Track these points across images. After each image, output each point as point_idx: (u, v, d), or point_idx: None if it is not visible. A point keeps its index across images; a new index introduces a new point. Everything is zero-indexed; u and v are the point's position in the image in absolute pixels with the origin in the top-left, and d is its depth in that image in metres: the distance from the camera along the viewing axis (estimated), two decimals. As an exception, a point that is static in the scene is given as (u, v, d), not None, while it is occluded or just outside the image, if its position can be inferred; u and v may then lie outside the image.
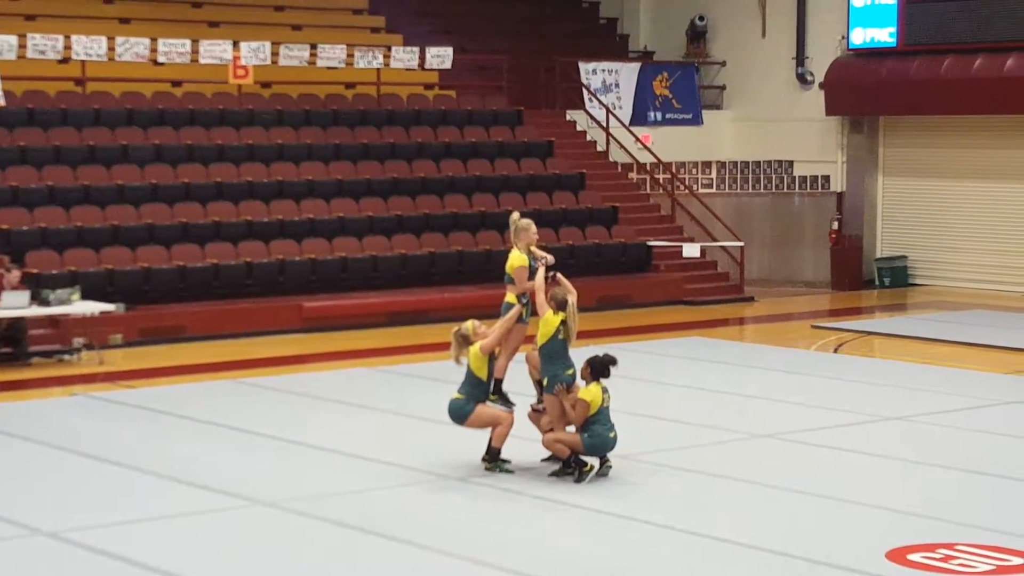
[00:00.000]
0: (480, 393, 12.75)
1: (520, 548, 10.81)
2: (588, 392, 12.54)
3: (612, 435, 12.61)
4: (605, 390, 12.60)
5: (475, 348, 12.67)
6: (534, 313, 12.87)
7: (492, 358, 12.74)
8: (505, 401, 12.98)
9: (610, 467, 12.73)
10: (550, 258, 13.05)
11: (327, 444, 14.18)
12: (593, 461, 12.71)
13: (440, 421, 13.48)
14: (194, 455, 13.80)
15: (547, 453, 13.00)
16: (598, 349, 13.03)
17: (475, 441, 13.31)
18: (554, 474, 12.76)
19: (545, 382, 12.70)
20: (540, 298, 12.65)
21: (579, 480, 12.60)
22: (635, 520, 11.46)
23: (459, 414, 12.78)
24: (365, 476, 12.96)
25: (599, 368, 12.61)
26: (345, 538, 11.07)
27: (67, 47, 23.92)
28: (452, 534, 11.10)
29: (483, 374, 12.69)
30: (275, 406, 16.39)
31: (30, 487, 12.70)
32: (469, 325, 12.81)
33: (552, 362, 12.59)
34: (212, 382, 18.11)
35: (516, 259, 13.02)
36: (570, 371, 12.60)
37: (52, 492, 12.48)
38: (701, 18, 31.30)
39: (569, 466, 12.69)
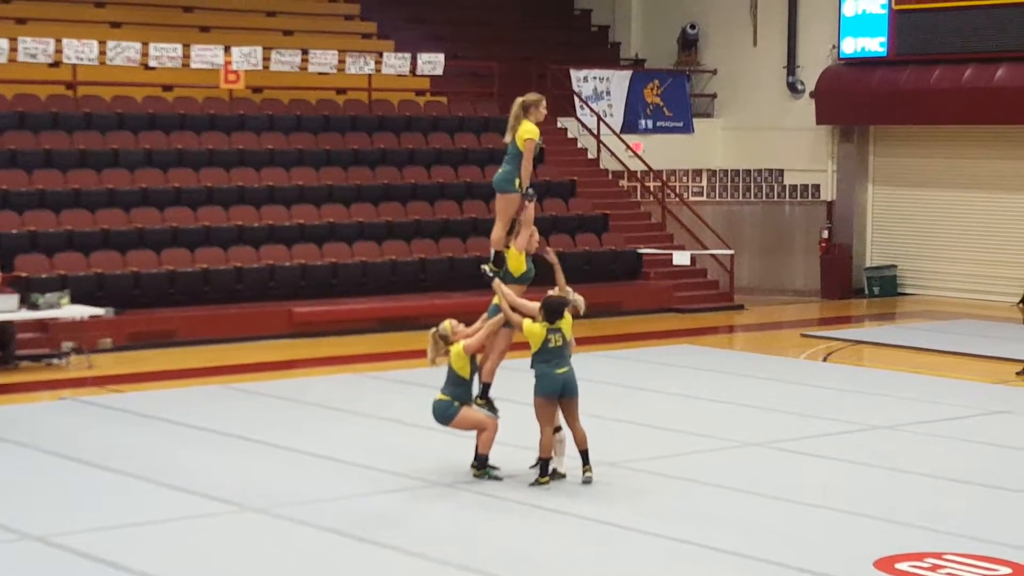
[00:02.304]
0: (463, 393, 12.74)
1: (509, 555, 10.81)
2: (529, 330, 12.53)
3: (560, 371, 12.55)
4: (553, 331, 12.55)
5: (458, 347, 12.67)
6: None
7: (474, 358, 12.74)
8: (491, 407, 12.98)
9: (590, 478, 12.74)
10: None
11: (316, 450, 14.17)
12: (558, 465, 12.76)
13: (429, 427, 13.48)
14: (183, 460, 13.78)
15: (534, 460, 13.02)
16: (591, 356, 13.03)
17: (463, 447, 13.32)
18: (534, 484, 12.75)
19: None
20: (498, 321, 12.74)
21: (534, 484, 12.65)
22: (624, 528, 11.46)
23: (443, 415, 12.79)
24: (354, 482, 12.96)
25: (550, 310, 12.58)
26: (334, 544, 11.06)
27: (58, 51, 23.91)
28: (440, 540, 11.10)
29: (466, 373, 12.69)
30: (264, 411, 16.38)
31: (18, 491, 12.67)
32: (447, 325, 12.81)
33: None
34: (201, 387, 18.09)
35: (515, 259, 12.96)
36: (563, 370, 12.62)
37: (40, 496, 12.47)
38: (692, 26, 31.34)
39: (546, 473, 12.72)
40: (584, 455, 12.83)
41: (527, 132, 13.02)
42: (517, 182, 12.98)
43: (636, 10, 32.96)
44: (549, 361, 12.57)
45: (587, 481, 12.75)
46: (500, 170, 13.20)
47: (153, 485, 12.78)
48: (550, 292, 12.94)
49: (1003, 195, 27.36)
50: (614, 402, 14.12)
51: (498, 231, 13.06)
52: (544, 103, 13.27)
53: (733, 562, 10.63)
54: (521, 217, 13.00)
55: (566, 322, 12.67)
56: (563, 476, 12.89)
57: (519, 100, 13.22)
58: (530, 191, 13.01)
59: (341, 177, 25.38)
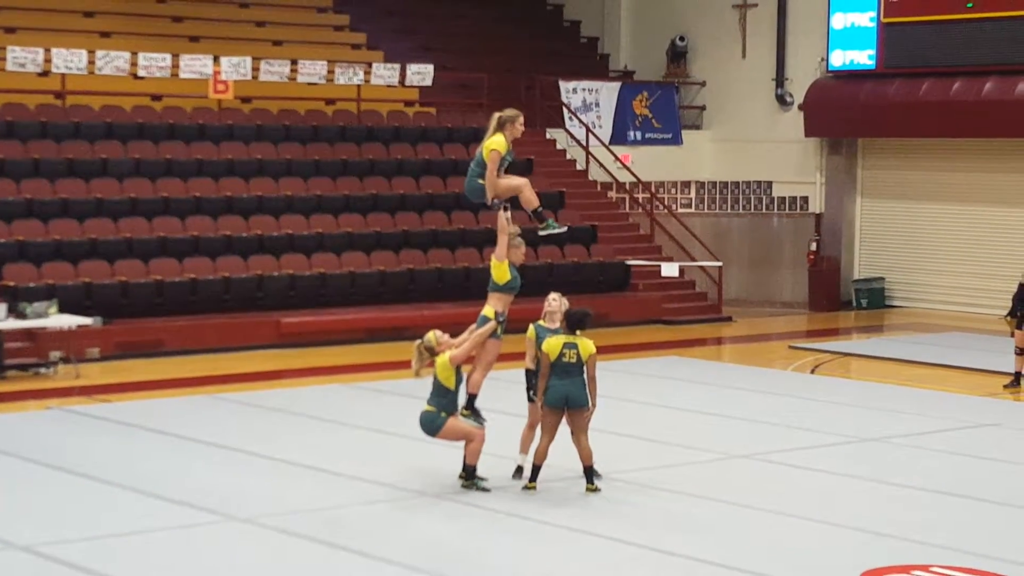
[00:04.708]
0: (449, 403, 12.75)
1: (495, 566, 10.81)
2: (546, 343, 12.69)
3: (566, 383, 12.62)
4: (569, 345, 12.64)
5: (444, 358, 12.68)
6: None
7: (459, 368, 12.75)
8: (477, 417, 12.99)
9: (595, 490, 12.80)
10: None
11: (303, 460, 14.16)
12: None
13: (416, 438, 13.48)
14: (170, 470, 13.77)
15: (514, 468, 13.18)
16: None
17: (450, 458, 13.32)
18: (515, 475, 13.08)
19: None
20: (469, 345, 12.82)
21: (515, 476, 13.05)
22: (611, 539, 11.46)
23: (431, 427, 12.79)
24: (341, 492, 12.95)
25: (572, 321, 12.76)
26: (320, 555, 11.05)
27: (47, 60, 23.90)
28: (428, 551, 11.09)
29: (451, 384, 12.69)
30: (252, 421, 16.37)
31: (4, 501, 12.64)
32: (431, 336, 12.82)
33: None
34: (189, 397, 18.07)
35: (497, 269, 13.02)
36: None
37: (27, 506, 12.44)
38: (682, 38, 31.40)
39: (535, 479, 12.83)
40: (587, 472, 12.87)
41: (493, 144, 13.07)
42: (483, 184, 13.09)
43: (625, 22, 33.02)
44: (559, 374, 12.63)
45: (596, 489, 12.88)
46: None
47: (140, 495, 12.76)
48: (551, 297, 13.15)
49: (991, 208, 27.42)
50: (601, 414, 14.07)
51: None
52: (521, 119, 13.29)
53: (720, 574, 10.63)
54: (496, 227, 13.09)
55: (585, 344, 12.71)
56: (520, 468, 13.11)
57: (496, 115, 13.27)
58: (495, 201, 13.07)
59: (330, 187, 25.37)
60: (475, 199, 13.33)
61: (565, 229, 13.58)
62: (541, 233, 13.38)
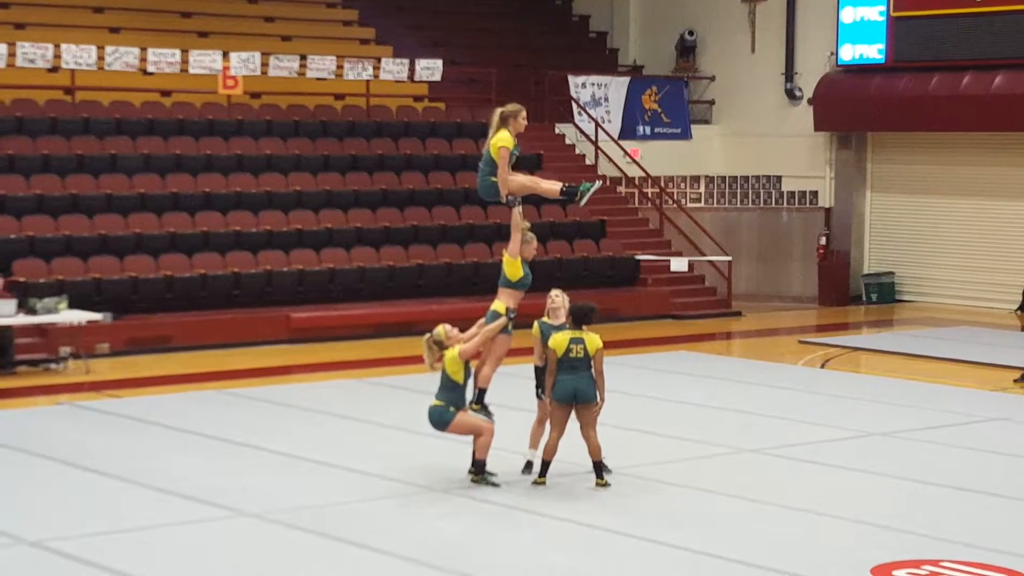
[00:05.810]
0: (457, 398, 12.76)
1: (506, 561, 10.80)
2: (553, 339, 12.68)
3: (573, 378, 12.61)
4: (575, 340, 12.63)
5: (453, 352, 12.68)
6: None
7: (468, 362, 12.75)
8: (486, 412, 12.99)
9: (604, 485, 12.80)
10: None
11: (313, 455, 14.17)
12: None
13: (426, 433, 13.49)
14: (179, 465, 13.78)
15: (524, 463, 13.18)
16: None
17: (460, 453, 13.32)
18: (525, 470, 13.11)
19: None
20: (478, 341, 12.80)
21: (524, 471, 13.04)
22: (620, 534, 11.46)
23: (440, 421, 12.80)
24: (351, 488, 12.95)
25: (578, 316, 12.77)
26: (329, 550, 11.06)
27: (57, 56, 23.93)
28: (438, 547, 11.09)
29: (459, 378, 12.70)
30: (261, 417, 16.38)
31: (14, 496, 12.67)
32: (441, 330, 12.82)
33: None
34: (198, 392, 18.09)
35: (510, 265, 13.03)
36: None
37: (36, 501, 12.46)
38: (691, 32, 31.36)
39: (544, 474, 12.83)
40: (596, 467, 12.86)
41: (501, 140, 13.02)
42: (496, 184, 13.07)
43: (634, 16, 32.98)
44: (567, 370, 12.63)
45: (607, 484, 12.86)
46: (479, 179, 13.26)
47: (149, 490, 12.77)
48: (553, 294, 13.12)
49: (1001, 202, 27.38)
50: (610, 408, 14.08)
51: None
52: (523, 114, 13.21)
53: (730, 568, 10.62)
54: (509, 223, 13.10)
55: (592, 339, 12.71)
56: (530, 464, 13.14)
57: (498, 110, 13.21)
58: (510, 198, 13.07)
59: (339, 183, 25.38)
60: (489, 198, 13.28)
61: (599, 182, 13.54)
62: (583, 202, 13.31)
